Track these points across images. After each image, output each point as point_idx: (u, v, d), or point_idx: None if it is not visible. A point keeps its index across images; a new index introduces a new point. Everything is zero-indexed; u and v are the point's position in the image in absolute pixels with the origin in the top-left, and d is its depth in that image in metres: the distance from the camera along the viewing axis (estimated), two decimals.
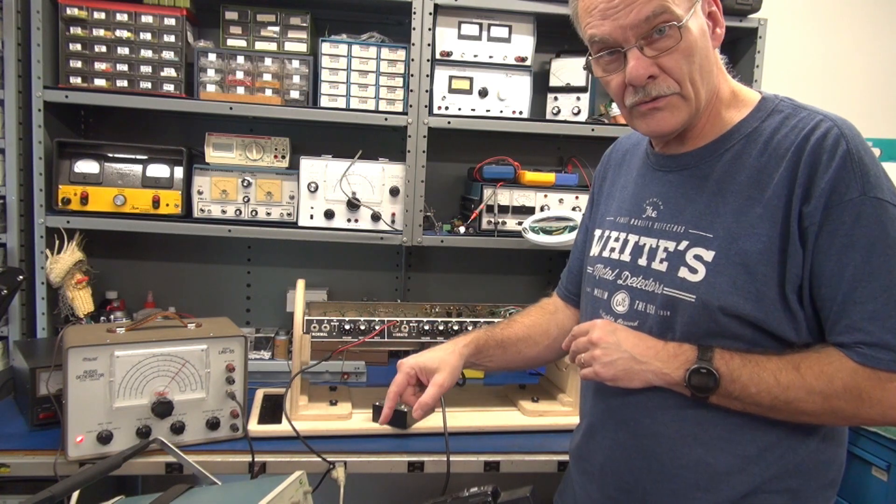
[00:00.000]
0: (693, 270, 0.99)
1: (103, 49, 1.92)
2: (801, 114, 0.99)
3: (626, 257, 1.11)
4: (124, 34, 1.92)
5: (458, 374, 1.24)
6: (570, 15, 1.06)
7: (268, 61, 1.99)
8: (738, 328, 0.96)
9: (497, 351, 1.31)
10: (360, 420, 1.65)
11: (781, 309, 0.95)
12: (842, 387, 0.91)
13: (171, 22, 1.93)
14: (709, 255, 0.99)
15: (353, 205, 2.01)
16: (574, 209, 2.06)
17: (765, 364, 0.95)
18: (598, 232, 1.22)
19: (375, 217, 2.02)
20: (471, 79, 2.02)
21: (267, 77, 1.99)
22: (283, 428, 1.57)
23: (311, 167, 1.99)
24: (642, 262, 1.07)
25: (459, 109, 2.03)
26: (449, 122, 2.01)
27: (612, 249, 1.15)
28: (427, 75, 1.98)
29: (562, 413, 1.72)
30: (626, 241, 1.12)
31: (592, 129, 2.07)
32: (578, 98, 2.11)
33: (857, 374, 0.90)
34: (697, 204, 1.03)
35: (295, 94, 2.01)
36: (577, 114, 2.11)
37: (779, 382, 0.93)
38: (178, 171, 2.00)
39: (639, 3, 0.94)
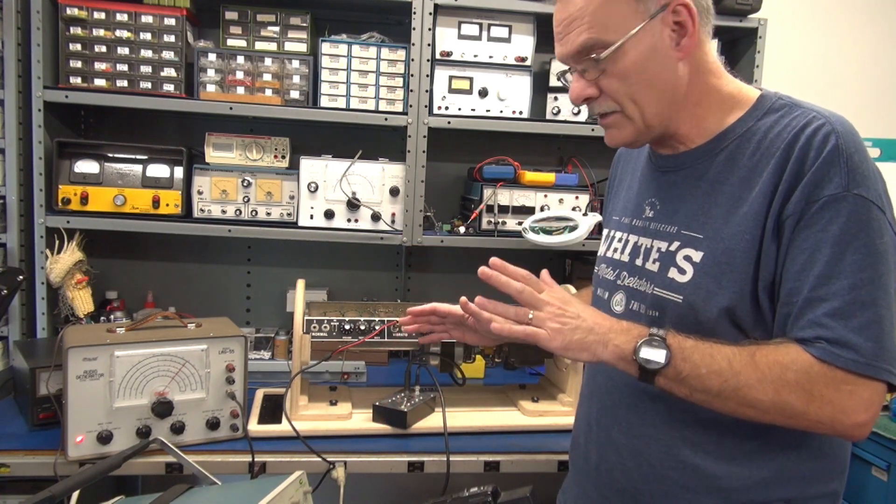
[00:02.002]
0: (682, 271, 1.00)
1: (103, 49, 1.91)
2: (796, 112, 0.97)
3: (625, 258, 1.12)
4: (124, 34, 1.92)
5: None
6: None
7: (268, 61, 1.98)
8: (723, 329, 0.96)
9: None
10: (360, 420, 1.65)
11: (758, 310, 0.94)
12: (794, 379, 0.87)
13: (171, 22, 1.93)
14: (697, 256, 0.98)
15: (353, 205, 2.01)
16: (574, 209, 2.06)
17: (719, 348, 0.91)
18: (605, 231, 1.23)
19: (375, 217, 2.02)
20: (471, 79, 2.02)
21: (267, 77, 1.99)
22: (283, 428, 1.57)
23: (311, 167, 1.99)
24: (639, 262, 1.08)
25: (459, 109, 2.03)
26: (449, 122, 2.01)
27: (615, 250, 1.15)
28: (427, 75, 1.98)
29: (562, 413, 1.72)
30: (626, 242, 1.13)
31: (592, 129, 2.07)
32: None
33: (812, 368, 0.87)
34: (691, 205, 1.03)
35: (295, 94, 2.01)
36: (577, 114, 2.11)
37: (731, 366, 0.89)
38: (178, 171, 2.00)
39: (572, 35, 0.98)
